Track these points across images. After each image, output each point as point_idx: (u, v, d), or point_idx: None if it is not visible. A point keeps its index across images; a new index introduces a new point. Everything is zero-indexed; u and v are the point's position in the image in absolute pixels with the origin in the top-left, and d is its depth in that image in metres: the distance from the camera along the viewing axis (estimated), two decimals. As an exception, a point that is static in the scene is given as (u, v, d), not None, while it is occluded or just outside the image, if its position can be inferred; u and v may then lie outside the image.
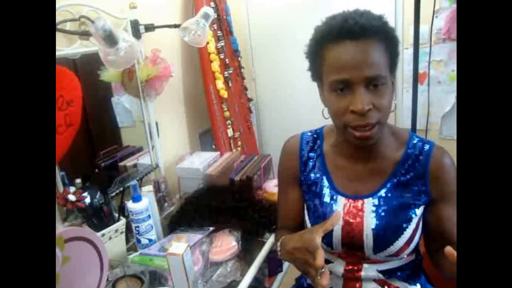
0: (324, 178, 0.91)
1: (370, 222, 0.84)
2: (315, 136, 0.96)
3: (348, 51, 0.73)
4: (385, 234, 0.83)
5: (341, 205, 0.87)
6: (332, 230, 0.86)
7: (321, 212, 0.89)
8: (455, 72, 1.92)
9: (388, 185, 0.85)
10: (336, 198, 0.88)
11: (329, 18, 0.78)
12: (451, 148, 0.80)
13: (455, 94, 1.94)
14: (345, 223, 0.86)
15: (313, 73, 0.84)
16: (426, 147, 0.85)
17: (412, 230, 0.83)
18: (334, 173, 0.91)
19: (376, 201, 0.85)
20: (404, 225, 0.82)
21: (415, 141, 0.86)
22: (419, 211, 0.84)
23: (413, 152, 0.85)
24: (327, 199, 0.89)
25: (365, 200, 0.86)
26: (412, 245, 0.84)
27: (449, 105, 1.99)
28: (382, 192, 0.85)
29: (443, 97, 2.00)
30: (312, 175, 0.93)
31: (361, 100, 0.73)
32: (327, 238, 0.87)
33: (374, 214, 0.84)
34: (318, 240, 0.71)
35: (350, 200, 0.87)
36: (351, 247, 0.87)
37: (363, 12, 0.76)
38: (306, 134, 0.98)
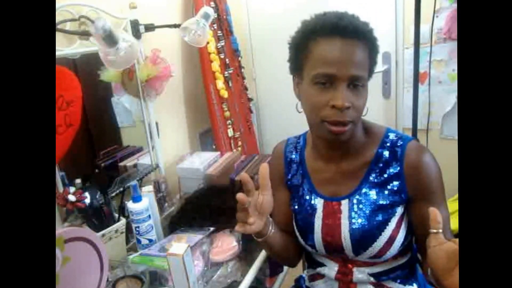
0: (305, 181, 0.92)
1: (346, 223, 0.84)
2: (298, 141, 0.98)
3: (338, 47, 0.74)
4: (363, 235, 0.82)
5: (320, 207, 0.88)
6: (313, 232, 0.88)
7: (304, 215, 0.90)
8: (456, 71, 1.91)
9: (364, 185, 0.85)
10: (316, 200, 0.89)
11: (320, 14, 0.79)
12: (452, 148, 0.79)
13: (456, 93, 1.93)
14: (324, 225, 0.86)
15: (293, 65, 0.85)
16: (399, 143, 0.83)
17: (391, 230, 0.82)
18: (313, 176, 0.92)
19: (352, 202, 0.85)
20: (382, 226, 0.82)
21: (390, 137, 0.85)
22: (399, 210, 0.83)
23: (386, 149, 0.84)
24: (308, 201, 0.90)
25: (342, 202, 0.86)
26: (395, 246, 0.82)
27: (450, 105, 1.99)
28: (358, 193, 0.85)
29: (444, 97, 1.99)
30: (295, 178, 0.94)
31: (343, 96, 0.74)
32: (311, 240, 0.89)
33: (350, 215, 0.84)
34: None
35: (328, 202, 0.88)
36: (332, 249, 0.87)
37: (352, 15, 0.78)
38: (291, 139, 1.00)
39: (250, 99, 2.18)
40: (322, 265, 0.93)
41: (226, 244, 1.10)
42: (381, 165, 0.84)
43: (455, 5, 1.83)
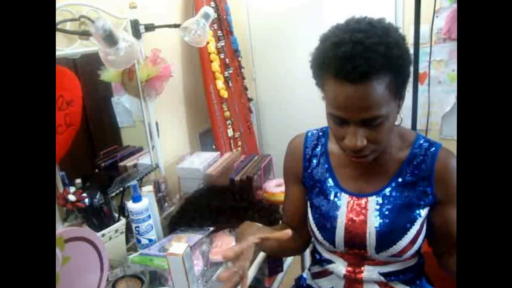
0: (328, 175, 0.91)
1: (373, 220, 0.84)
2: (320, 134, 0.97)
3: (345, 94, 0.69)
4: (389, 233, 0.82)
5: (344, 202, 0.87)
6: (335, 228, 0.86)
7: (325, 210, 0.89)
8: (456, 72, 1.92)
9: (393, 184, 0.85)
10: (340, 195, 0.88)
11: (333, 44, 0.69)
12: (452, 148, 0.80)
13: (455, 94, 1.94)
14: (348, 221, 0.86)
15: (317, 83, 0.80)
16: (432, 148, 0.85)
17: (416, 231, 0.82)
18: (338, 171, 0.91)
19: (380, 200, 0.85)
20: (408, 225, 0.82)
21: (421, 142, 0.86)
22: (423, 212, 0.83)
23: (418, 152, 0.85)
24: (331, 196, 0.89)
25: (369, 198, 0.86)
26: (415, 246, 0.84)
27: (449, 105, 1.99)
28: (387, 191, 0.85)
29: (443, 97, 2.00)
30: (316, 172, 0.93)
31: (355, 138, 0.74)
32: (330, 236, 0.87)
33: (377, 213, 0.84)
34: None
35: (354, 198, 0.87)
36: (353, 245, 0.86)
37: (368, 42, 0.66)
38: (311, 132, 0.98)
39: (250, 99, 2.18)
40: (330, 262, 0.93)
41: (226, 244, 1.10)
42: (412, 167, 0.85)
43: (455, 5, 1.83)
